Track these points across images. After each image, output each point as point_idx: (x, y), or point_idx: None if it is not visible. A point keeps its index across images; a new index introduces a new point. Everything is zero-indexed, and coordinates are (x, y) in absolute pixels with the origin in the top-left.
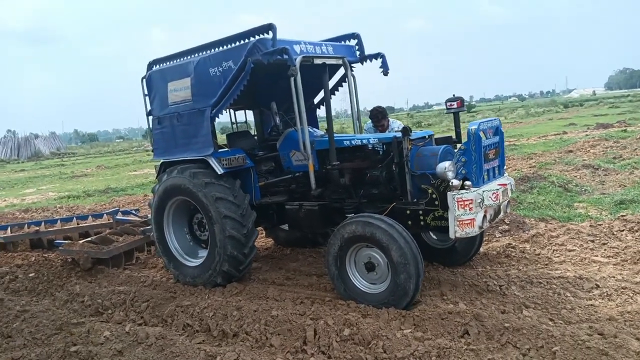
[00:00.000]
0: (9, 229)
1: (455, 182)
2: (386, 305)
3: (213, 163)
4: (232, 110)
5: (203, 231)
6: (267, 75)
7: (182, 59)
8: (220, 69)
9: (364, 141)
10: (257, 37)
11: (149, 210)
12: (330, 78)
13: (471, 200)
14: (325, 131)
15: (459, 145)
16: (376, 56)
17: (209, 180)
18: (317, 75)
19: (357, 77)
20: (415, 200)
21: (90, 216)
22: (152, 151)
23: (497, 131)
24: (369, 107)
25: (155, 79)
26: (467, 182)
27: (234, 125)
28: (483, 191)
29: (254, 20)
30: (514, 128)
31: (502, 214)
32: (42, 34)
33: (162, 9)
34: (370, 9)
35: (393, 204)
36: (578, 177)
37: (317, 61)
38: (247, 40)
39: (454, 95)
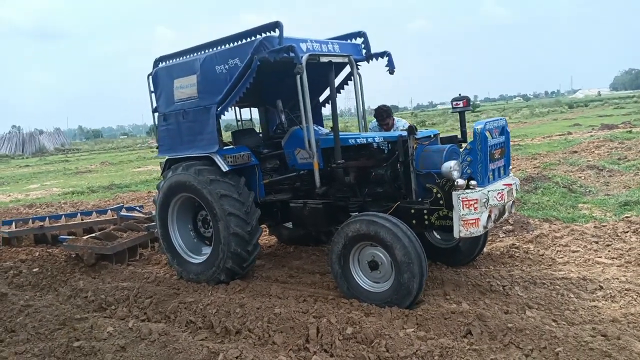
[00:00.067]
0: (13, 224)
1: (461, 181)
2: (389, 304)
3: (218, 160)
4: (237, 108)
5: (207, 228)
6: (273, 73)
7: (188, 56)
8: (227, 66)
9: (369, 140)
10: (263, 34)
11: (153, 207)
12: (336, 76)
13: (476, 200)
14: (330, 129)
15: (464, 145)
16: (382, 55)
17: (214, 178)
18: (322, 73)
19: (362, 76)
20: (419, 199)
21: (94, 212)
22: (157, 148)
23: (503, 131)
24: (374, 106)
25: (162, 76)
26: (472, 182)
27: (239, 123)
28: (488, 191)
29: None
30: (518, 128)
31: (506, 214)
32: (48, 31)
33: (166, 8)
34: (374, 8)
35: (397, 203)
36: (582, 178)
37: (324, 59)
38: (253, 38)
39: (460, 94)
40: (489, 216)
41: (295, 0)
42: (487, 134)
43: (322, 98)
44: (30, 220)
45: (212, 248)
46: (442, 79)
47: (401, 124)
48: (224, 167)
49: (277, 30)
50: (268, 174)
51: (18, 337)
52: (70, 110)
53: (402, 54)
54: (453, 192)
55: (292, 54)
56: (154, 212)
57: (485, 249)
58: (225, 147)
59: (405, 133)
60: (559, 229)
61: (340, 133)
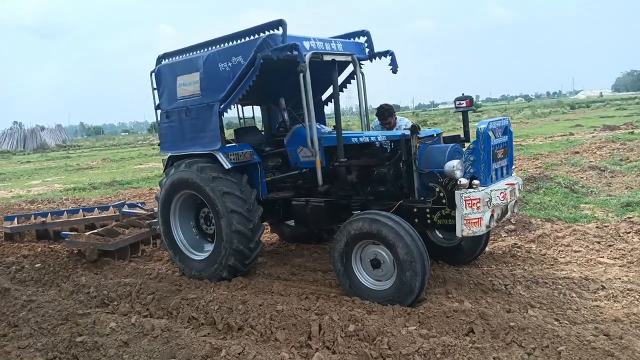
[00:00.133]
0: (15, 219)
1: (464, 180)
2: (391, 302)
3: (221, 158)
4: (239, 106)
5: (209, 225)
6: (275, 71)
7: (191, 54)
8: (230, 64)
9: (372, 138)
10: (267, 32)
11: (154, 203)
12: (338, 75)
13: (479, 199)
14: (332, 128)
15: (467, 144)
16: (385, 54)
17: (217, 175)
18: (325, 71)
19: (364, 75)
20: (422, 198)
21: (96, 208)
22: (159, 145)
23: (506, 131)
24: (375, 105)
25: (164, 73)
26: (475, 181)
27: (242, 121)
28: (491, 190)
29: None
30: (520, 128)
31: (509, 213)
32: (51, 28)
33: (168, 6)
34: (376, 8)
35: (400, 201)
36: (584, 178)
37: (327, 58)
38: (257, 36)
39: (463, 94)
40: (492, 215)
41: (296, 0)
42: (490, 133)
43: (324, 97)
44: (33, 216)
45: (214, 245)
46: (444, 79)
47: (403, 122)
48: (227, 165)
49: (280, 28)
50: (270, 172)
51: (21, 332)
52: (72, 107)
53: (404, 53)
54: (456, 192)
55: (295, 52)
56: (155, 208)
57: (487, 248)
58: (227, 145)
59: (408, 132)
60: (561, 229)
61: (343, 132)
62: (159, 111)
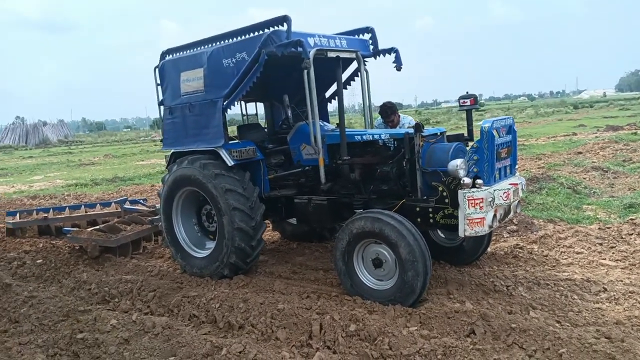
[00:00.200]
0: (17, 215)
1: (467, 180)
2: (393, 302)
3: (223, 154)
4: (243, 102)
5: (211, 222)
6: (279, 67)
7: (195, 49)
8: (234, 60)
9: (375, 136)
10: (271, 28)
11: (156, 200)
12: (342, 72)
13: (482, 199)
14: (336, 125)
15: (470, 143)
16: (389, 51)
17: (219, 172)
18: (329, 68)
19: (369, 72)
20: (425, 197)
21: (98, 204)
22: (161, 141)
23: (510, 130)
24: (378, 103)
25: (168, 68)
26: (479, 181)
27: (245, 118)
28: (494, 190)
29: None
30: (523, 128)
31: (512, 213)
32: (54, 23)
33: (172, 2)
34: (378, 7)
35: (403, 200)
36: (587, 179)
37: (331, 54)
38: (261, 32)
39: (467, 92)
40: (495, 215)
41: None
42: (494, 132)
43: (328, 94)
44: (35, 211)
45: (216, 242)
46: (447, 77)
47: (407, 120)
48: (230, 162)
49: (285, 24)
50: (273, 170)
51: (22, 328)
52: (74, 102)
53: (407, 51)
54: (459, 191)
55: (299, 49)
56: (157, 205)
57: (489, 249)
58: (230, 142)
59: (411, 130)
60: (563, 230)
61: (346, 129)
62: (162, 107)
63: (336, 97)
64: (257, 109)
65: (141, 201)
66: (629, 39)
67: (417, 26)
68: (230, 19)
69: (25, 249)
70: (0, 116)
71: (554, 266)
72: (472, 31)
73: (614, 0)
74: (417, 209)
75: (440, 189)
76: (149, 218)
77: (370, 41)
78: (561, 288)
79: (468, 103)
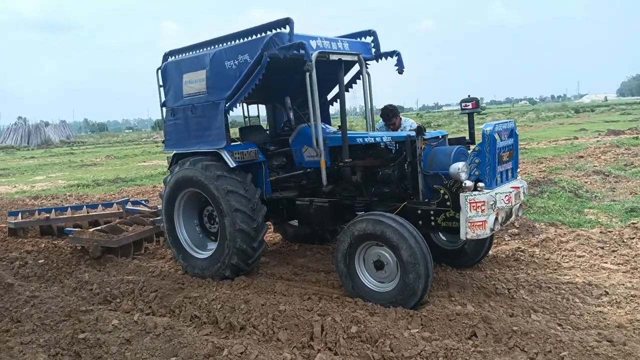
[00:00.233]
0: (19, 215)
1: (468, 183)
2: (394, 304)
3: (226, 156)
4: (245, 104)
5: (213, 224)
6: (281, 69)
7: (198, 51)
8: (236, 62)
9: (377, 139)
10: (274, 31)
11: (158, 201)
12: (344, 74)
13: (483, 202)
14: (337, 128)
15: (472, 147)
16: (392, 54)
17: (221, 173)
18: (331, 71)
19: (370, 75)
20: (426, 200)
21: (100, 205)
22: (163, 142)
23: (512, 133)
24: (379, 106)
25: (171, 70)
26: (480, 184)
27: (247, 119)
28: (496, 193)
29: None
30: (524, 131)
31: (513, 216)
32: (56, 23)
33: (174, 2)
34: (379, 7)
35: (404, 203)
36: (589, 183)
37: (333, 57)
38: (264, 34)
39: (469, 95)
40: (496, 218)
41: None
42: (496, 136)
43: (329, 96)
44: (37, 211)
45: (217, 244)
46: (448, 81)
47: (408, 123)
48: (232, 163)
49: (287, 27)
50: (275, 171)
51: (24, 328)
52: (76, 103)
53: (407, 53)
54: (460, 194)
55: (302, 51)
56: (159, 206)
57: (490, 252)
58: (232, 144)
59: (413, 133)
60: (565, 234)
61: (348, 132)
62: (164, 108)
63: (338, 100)
64: (259, 111)
65: (143, 202)
66: (630, 43)
67: (418, 28)
68: (230, 19)
69: (27, 249)
70: (3, 116)
71: (555, 269)
72: (473, 34)
73: (615, 5)
74: (419, 211)
75: (442, 191)
76: (151, 219)
77: (373, 44)
78: (563, 291)
79: (470, 106)
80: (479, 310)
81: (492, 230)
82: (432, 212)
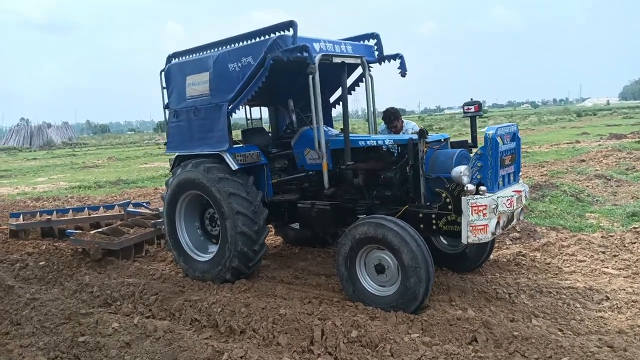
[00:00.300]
0: (21, 216)
1: (470, 186)
2: (395, 308)
3: (228, 158)
4: (247, 107)
5: (214, 226)
6: (284, 72)
7: (201, 53)
8: (240, 64)
9: (379, 142)
10: (277, 33)
11: (159, 203)
12: (347, 77)
13: (485, 205)
14: (340, 130)
15: (474, 150)
16: (395, 57)
17: (223, 176)
18: (333, 73)
19: (373, 78)
20: (428, 203)
21: (101, 207)
22: (165, 144)
23: (514, 137)
24: (381, 109)
25: (174, 72)
26: (482, 188)
27: (249, 122)
28: (498, 197)
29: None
30: (526, 135)
31: (515, 220)
32: (59, 24)
33: (177, 4)
34: (386, 9)
35: (406, 206)
36: (590, 187)
37: (336, 60)
38: (267, 37)
39: (471, 99)
40: (498, 222)
41: (298, 2)
42: (499, 139)
43: (332, 99)
44: (38, 213)
45: (218, 246)
46: (450, 84)
47: (410, 126)
48: (234, 166)
49: (291, 29)
50: (276, 174)
51: (23, 330)
52: (79, 105)
53: (410, 56)
54: (462, 198)
55: (305, 54)
56: (161, 208)
57: (491, 256)
58: (235, 146)
59: (415, 136)
60: (566, 238)
61: (350, 135)
62: (167, 110)
63: (340, 103)
64: (261, 114)
65: (144, 204)
66: (633, 47)
67: (420, 30)
68: (232, 20)
69: (28, 250)
70: (5, 118)
71: (556, 274)
72: (476, 37)
73: (618, 9)
74: (420, 215)
75: (444, 195)
76: (152, 221)
77: (376, 47)
78: (563, 296)
79: (472, 110)
80: (480, 315)
81: (493, 234)
82: (433, 216)
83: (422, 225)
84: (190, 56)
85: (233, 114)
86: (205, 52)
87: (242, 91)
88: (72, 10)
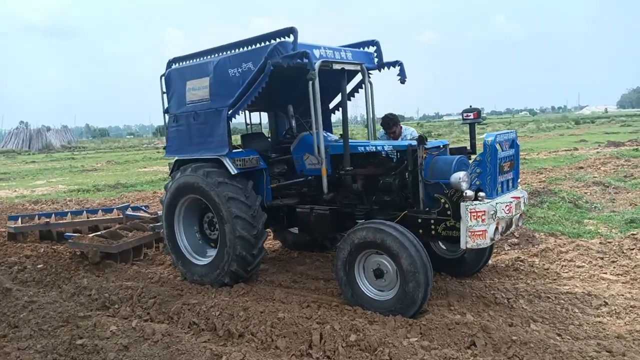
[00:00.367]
0: (19, 219)
1: (469, 192)
2: (393, 312)
3: (227, 163)
4: (247, 112)
5: (213, 230)
6: (284, 78)
7: (201, 59)
8: (240, 70)
9: (378, 148)
10: (278, 40)
11: (158, 207)
12: (347, 83)
13: (484, 211)
14: (339, 136)
15: (473, 156)
16: (394, 64)
17: (222, 180)
18: (333, 79)
19: (373, 85)
20: (427, 209)
21: (100, 210)
22: (164, 148)
23: (513, 144)
24: (379, 115)
25: (174, 77)
26: (481, 194)
27: (249, 127)
28: (496, 203)
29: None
30: (524, 142)
31: (513, 226)
32: (60, 29)
33: (177, 10)
34: (385, 17)
35: (405, 211)
36: (588, 193)
37: (336, 66)
38: (268, 43)
39: (470, 106)
40: (497, 228)
41: (299, 11)
42: (497, 146)
43: (332, 105)
44: (36, 216)
45: (217, 250)
46: (449, 91)
47: (409, 132)
48: (233, 170)
49: (291, 36)
50: (276, 179)
51: (21, 333)
52: (78, 108)
53: (409, 64)
54: (461, 203)
55: (305, 60)
56: (159, 212)
57: (490, 261)
58: (234, 151)
59: (415, 142)
60: (565, 244)
61: (350, 140)
62: (167, 115)
63: (340, 108)
64: (261, 119)
65: (143, 208)
66: (631, 56)
67: (420, 39)
68: (232, 26)
69: (26, 253)
70: (4, 121)
71: (554, 279)
72: (475, 45)
73: (616, 18)
74: (419, 220)
75: (443, 201)
76: (151, 225)
77: (375, 54)
78: (562, 301)
79: (471, 116)
80: (478, 320)
81: (492, 239)
82: (432, 221)
83: (421, 231)
84: (191, 61)
85: (233, 119)
86: (205, 58)
87: (242, 96)
88: (74, 16)
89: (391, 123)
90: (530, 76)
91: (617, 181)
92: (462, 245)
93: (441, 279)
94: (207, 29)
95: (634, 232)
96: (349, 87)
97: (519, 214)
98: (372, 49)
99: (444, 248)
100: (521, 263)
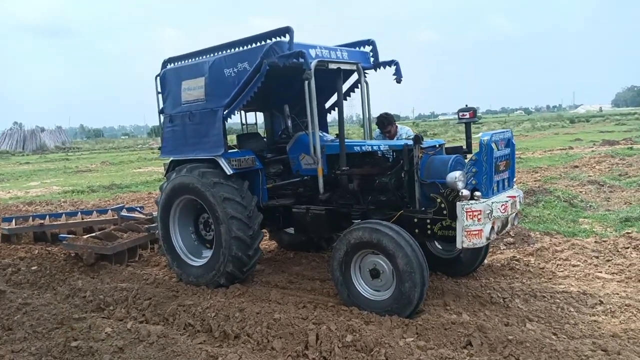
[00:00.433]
0: (13, 221)
1: (465, 192)
2: (389, 313)
3: (223, 163)
4: (242, 112)
5: (209, 231)
6: (280, 78)
7: (197, 59)
8: (235, 69)
9: (374, 147)
10: (273, 39)
11: (153, 208)
12: (343, 83)
13: (480, 211)
14: (335, 136)
15: (469, 156)
16: (390, 63)
17: (218, 180)
18: (329, 79)
19: (369, 84)
20: (423, 208)
21: (94, 211)
22: (159, 149)
23: (509, 143)
24: (376, 115)
25: (169, 77)
26: (477, 193)
27: (244, 127)
28: (492, 202)
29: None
30: (519, 141)
31: (509, 225)
32: (55, 29)
33: (174, 10)
34: (384, 17)
35: (401, 211)
36: (583, 192)
37: (332, 66)
38: (263, 42)
39: (466, 105)
40: (492, 228)
41: (296, 10)
42: (493, 145)
43: (327, 105)
44: (31, 217)
45: (212, 251)
46: (444, 90)
47: (404, 131)
48: (229, 171)
49: (287, 35)
50: (271, 179)
51: (15, 336)
52: (72, 109)
53: (406, 63)
54: (457, 203)
55: (301, 60)
56: (154, 213)
57: (486, 261)
58: (230, 151)
59: (410, 142)
60: (560, 243)
61: (346, 140)
62: (162, 115)
63: (336, 108)
64: (256, 119)
65: (138, 209)
66: (625, 55)
67: (416, 39)
68: (229, 25)
69: (20, 255)
70: None
71: (550, 278)
72: (471, 44)
73: (611, 17)
74: (415, 220)
75: (439, 200)
76: (146, 226)
77: (371, 53)
78: (557, 300)
79: (467, 116)
80: (474, 319)
81: (488, 239)
82: (428, 221)
83: (417, 230)
84: (186, 61)
85: (228, 119)
86: (201, 58)
87: (238, 96)
88: (68, 15)
89: (386, 122)
90: (525, 75)
91: (612, 180)
92: (458, 245)
93: (437, 279)
94: (206, 29)
95: (629, 231)
96: (345, 87)
97: (514, 213)
98: (368, 49)
99: (440, 248)
100: (517, 262)
